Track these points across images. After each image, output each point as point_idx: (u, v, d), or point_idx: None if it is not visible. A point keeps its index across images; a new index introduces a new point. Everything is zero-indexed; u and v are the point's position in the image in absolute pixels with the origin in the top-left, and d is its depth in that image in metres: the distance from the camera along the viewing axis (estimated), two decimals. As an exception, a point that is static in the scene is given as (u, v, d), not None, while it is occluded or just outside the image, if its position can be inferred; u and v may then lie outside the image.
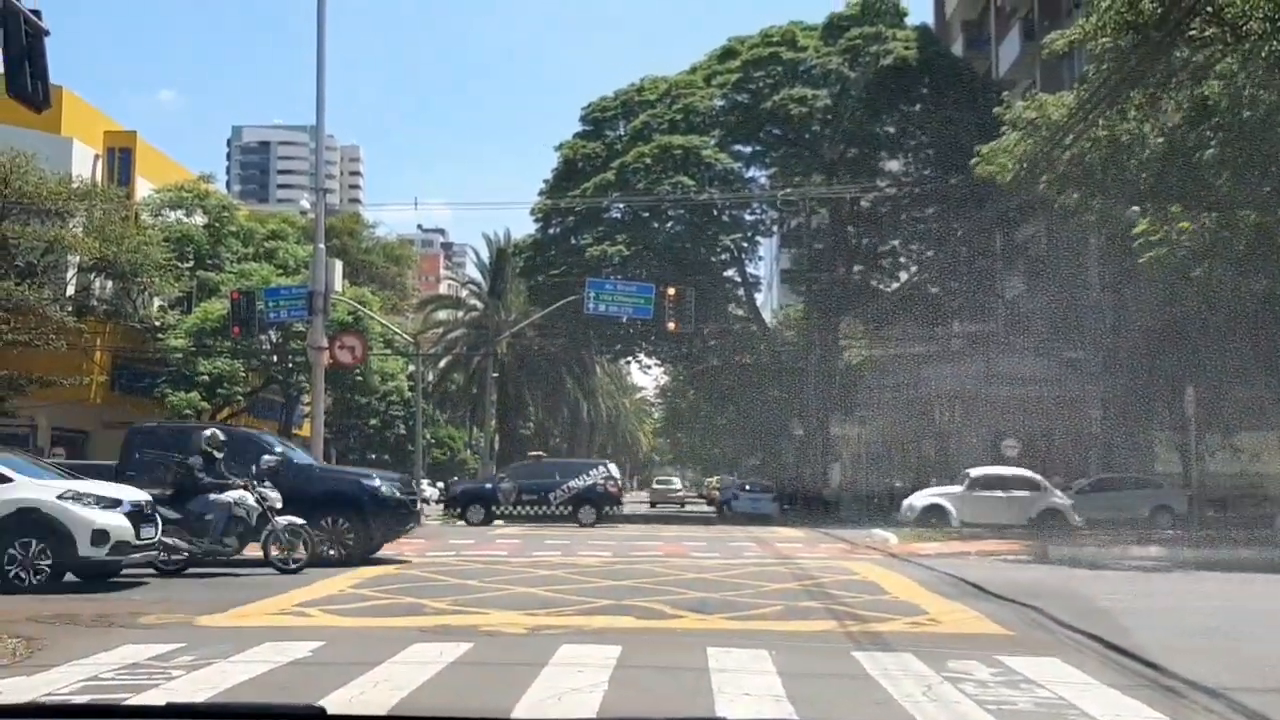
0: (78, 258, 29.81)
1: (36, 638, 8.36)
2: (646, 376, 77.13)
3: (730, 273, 42.27)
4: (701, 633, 9.09)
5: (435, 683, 6.79)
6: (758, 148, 40.43)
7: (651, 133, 38.94)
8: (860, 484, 43.55)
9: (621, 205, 39.00)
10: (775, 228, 44.40)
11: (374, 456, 47.44)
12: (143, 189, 34.69)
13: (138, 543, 12.15)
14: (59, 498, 11.80)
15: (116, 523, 11.87)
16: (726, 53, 40.73)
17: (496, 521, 28.88)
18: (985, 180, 22.97)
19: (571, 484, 29.87)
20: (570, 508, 29.42)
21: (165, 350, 31.96)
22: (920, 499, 26.22)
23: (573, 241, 39.88)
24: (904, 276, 41.67)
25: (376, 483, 15.87)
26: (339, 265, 27.46)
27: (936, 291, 39.37)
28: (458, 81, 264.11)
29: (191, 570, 13.88)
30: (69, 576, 12.05)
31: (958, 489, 25.89)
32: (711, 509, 47.67)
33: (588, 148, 40.08)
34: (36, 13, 9.65)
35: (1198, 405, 23.14)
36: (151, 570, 13.50)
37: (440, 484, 47.99)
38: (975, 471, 26.46)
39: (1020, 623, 9.77)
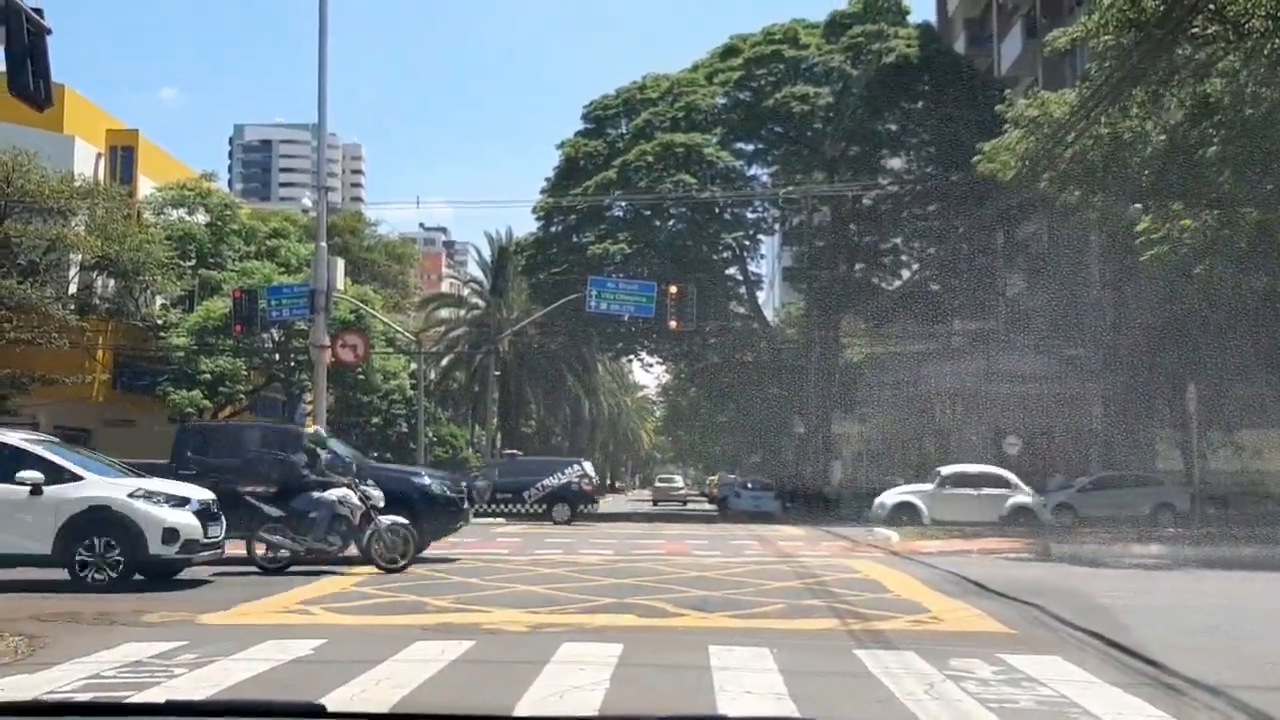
0: (80, 256, 29.83)
1: (38, 636, 8.37)
2: (648, 375, 77.43)
3: (732, 271, 42.28)
4: (703, 631, 9.10)
5: (437, 680, 6.79)
6: (760, 146, 40.44)
7: (653, 131, 38.94)
8: (862, 482, 43.46)
9: (623, 203, 38.99)
10: (777, 226, 44.40)
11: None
12: (145, 187, 34.71)
13: (205, 541, 12.17)
14: (130, 496, 11.82)
15: (186, 521, 11.91)
16: (728, 50, 40.72)
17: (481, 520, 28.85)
18: (987, 178, 22.97)
19: (546, 482, 29.89)
20: (545, 505, 29.46)
21: (167, 349, 31.97)
22: (891, 497, 26.56)
23: (574, 240, 39.87)
24: (905, 274, 41.68)
25: (427, 480, 15.81)
26: (341, 263, 27.47)
27: (938, 289, 39.38)
28: (458, 80, 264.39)
29: (293, 569, 13.68)
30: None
31: (929, 487, 26.22)
32: (713, 507, 47.68)
33: (589, 146, 40.07)
34: (39, 11, 9.66)
35: (1199, 402, 23.16)
36: (225, 568, 13.46)
37: None
38: (946, 470, 26.84)
39: (1022, 621, 9.77)
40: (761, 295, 48.46)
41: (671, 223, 39.60)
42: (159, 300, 33.76)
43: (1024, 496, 25.46)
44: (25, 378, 27.22)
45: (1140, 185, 20.14)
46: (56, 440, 13.16)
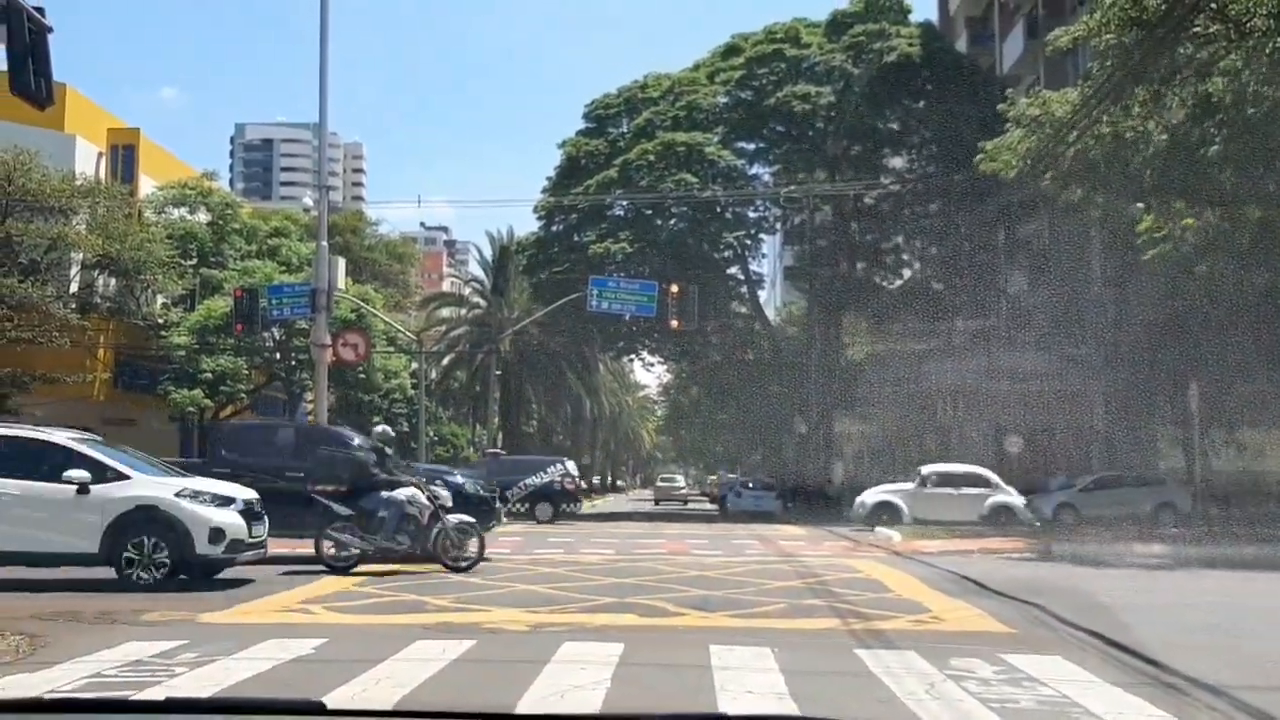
0: (81, 255, 29.84)
1: (40, 635, 8.37)
2: (649, 374, 77.31)
3: (733, 270, 42.30)
4: (704, 630, 9.09)
5: (438, 680, 6.79)
6: (761, 145, 40.44)
7: (655, 130, 38.96)
8: (863, 480, 43.45)
9: (624, 203, 39.00)
10: (778, 225, 44.40)
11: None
12: (146, 186, 34.73)
13: (250, 540, 12.17)
14: (177, 495, 11.82)
15: (231, 520, 11.91)
16: (730, 50, 40.73)
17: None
18: (988, 177, 22.97)
19: (529, 481, 29.93)
20: (527, 505, 29.50)
21: (168, 347, 32.00)
22: (872, 496, 26.70)
23: (576, 239, 39.89)
24: (907, 273, 41.68)
25: (460, 479, 15.85)
26: (342, 263, 27.49)
27: (939, 288, 39.38)
28: (459, 79, 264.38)
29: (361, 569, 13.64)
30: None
31: (909, 486, 26.37)
32: (715, 507, 47.68)
33: (591, 145, 40.09)
34: (40, 10, 9.66)
35: (1201, 401, 23.14)
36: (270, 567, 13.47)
37: None
38: (927, 469, 27.01)
39: (1023, 620, 9.77)
40: (763, 294, 48.58)
41: (673, 222, 39.60)
42: (160, 299, 33.77)
43: (1004, 496, 25.57)
44: (26, 376, 27.22)
45: (1142, 184, 20.13)
46: (100, 439, 13.14)
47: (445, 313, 58.90)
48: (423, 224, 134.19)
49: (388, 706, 5.73)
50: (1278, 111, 17.88)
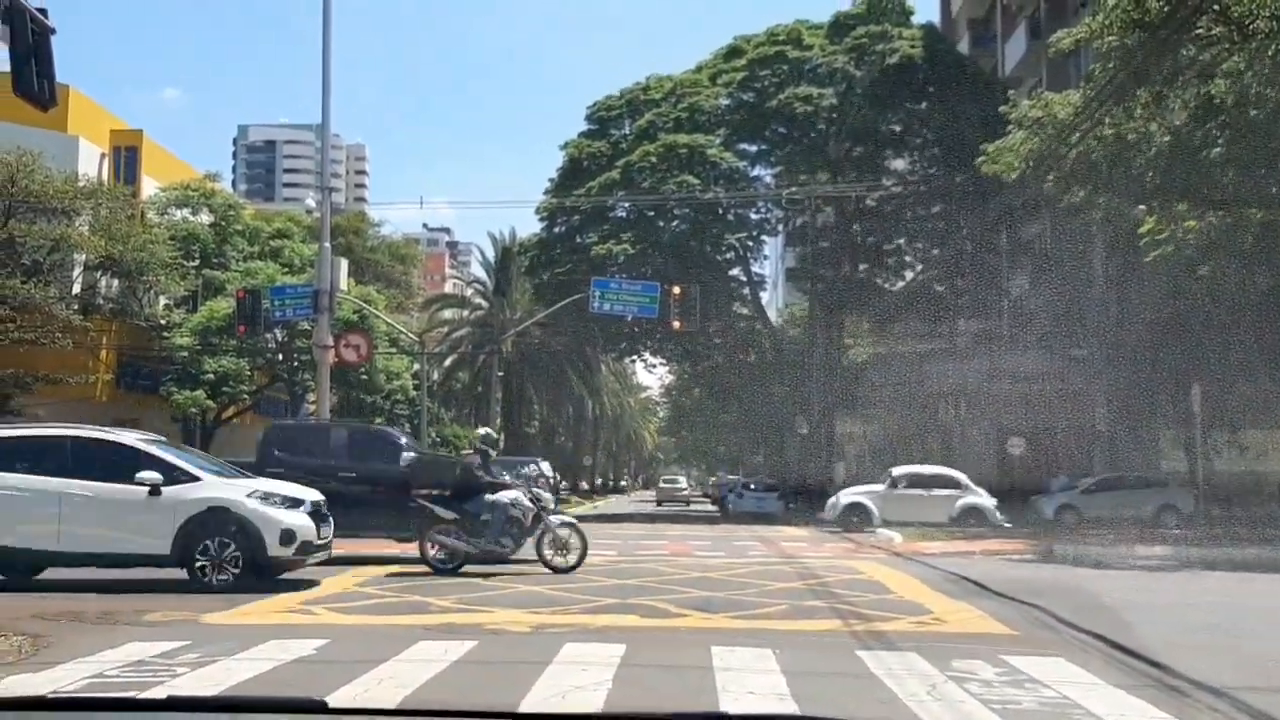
0: (84, 256, 29.89)
1: (42, 635, 8.39)
2: (651, 375, 77.28)
3: (735, 271, 42.29)
4: (706, 631, 9.09)
5: (439, 680, 6.80)
6: (763, 146, 40.43)
7: (657, 131, 38.96)
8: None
9: (627, 204, 39.01)
10: (780, 226, 44.38)
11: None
12: (149, 187, 34.77)
13: (318, 542, 12.17)
14: (248, 497, 11.82)
15: (301, 522, 11.90)
16: (732, 51, 40.75)
17: None
18: (991, 178, 22.96)
19: None
20: None
21: (171, 348, 32.03)
22: (844, 497, 27.05)
23: (578, 240, 39.90)
24: (909, 274, 41.65)
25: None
26: (344, 264, 27.53)
27: (941, 289, 39.36)
28: (460, 81, 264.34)
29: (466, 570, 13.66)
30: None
31: (880, 488, 26.71)
32: (716, 508, 47.70)
33: (593, 147, 40.10)
34: (43, 11, 9.69)
35: (1204, 402, 23.13)
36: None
37: None
38: (897, 470, 27.41)
39: (1024, 621, 9.76)
40: (765, 296, 48.41)
41: (675, 223, 39.61)
42: (162, 300, 33.81)
43: (974, 497, 25.80)
44: (29, 377, 27.26)
45: (1145, 186, 20.12)
46: (165, 440, 13.16)
47: (447, 314, 58.90)
48: (425, 225, 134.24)
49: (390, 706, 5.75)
50: (1280, 113, 17.89)
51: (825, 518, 27.00)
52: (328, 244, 24.73)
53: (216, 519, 11.57)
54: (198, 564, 11.55)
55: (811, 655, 7.95)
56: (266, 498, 11.91)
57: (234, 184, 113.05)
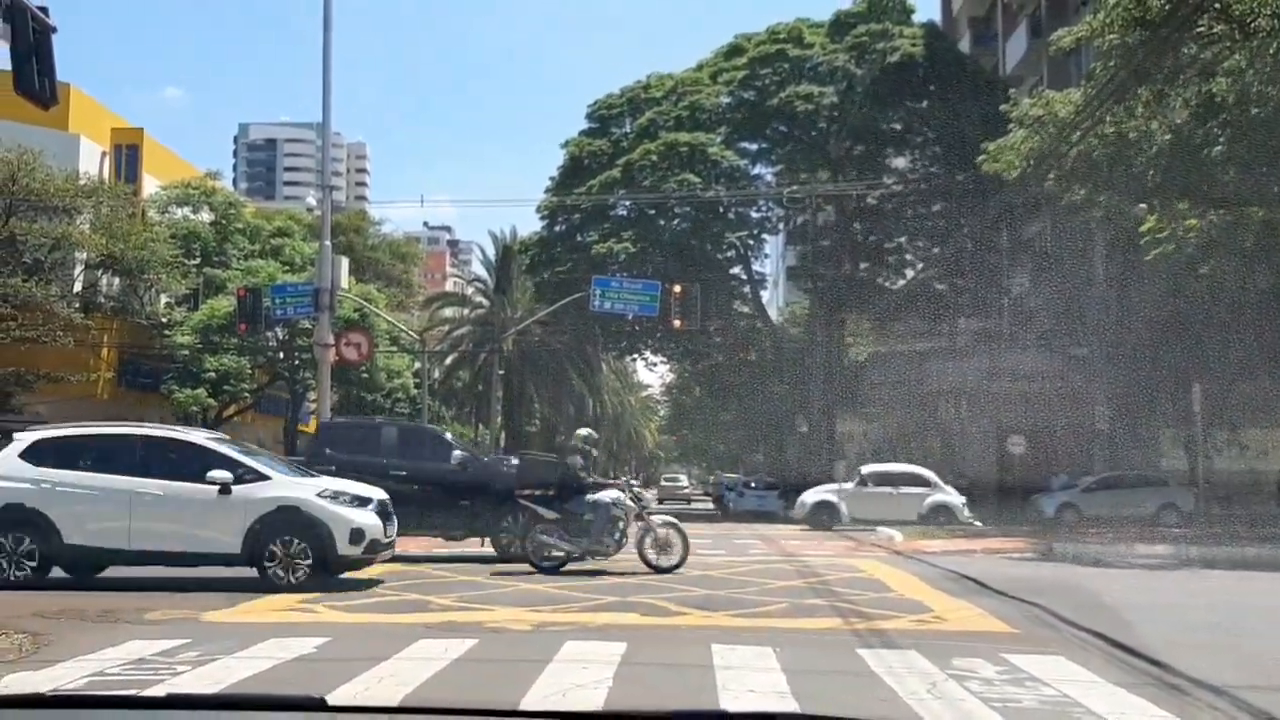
0: (85, 254, 29.91)
1: (42, 633, 8.40)
2: (652, 374, 77.29)
3: (736, 270, 42.25)
4: (706, 630, 9.09)
5: (440, 679, 6.80)
6: (764, 145, 40.41)
7: (658, 130, 38.94)
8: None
9: (627, 203, 38.99)
10: (781, 225, 44.35)
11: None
12: (149, 186, 34.79)
13: (385, 540, 12.17)
14: (318, 496, 11.82)
15: (370, 521, 11.89)
16: (733, 50, 40.71)
17: None
18: (991, 177, 22.95)
19: None
20: None
21: (172, 347, 32.06)
22: (812, 495, 27.31)
23: (579, 239, 39.88)
24: (910, 273, 41.61)
25: None
26: (345, 262, 27.45)
27: (942, 288, 39.30)
28: (461, 79, 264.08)
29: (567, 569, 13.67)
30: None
31: (849, 486, 27.01)
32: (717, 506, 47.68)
33: (594, 145, 40.08)
34: (44, 9, 9.68)
35: (1204, 401, 23.13)
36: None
37: None
38: (867, 469, 27.78)
39: (1025, 620, 9.77)
40: (765, 294, 48.39)
41: (676, 222, 39.59)
42: (163, 298, 33.84)
43: (943, 495, 25.93)
44: (30, 375, 27.29)
45: (1145, 184, 20.11)
46: (228, 437, 13.15)
47: (448, 312, 58.88)
48: (426, 224, 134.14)
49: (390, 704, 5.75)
50: (1281, 111, 17.87)
51: (795, 516, 27.33)
52: (328, 242, 24.71)
53: (286, 518, 11.56)
54: (267, 563, 11.54)
55: (812, 653, 7.96)
56: (336, 496, 11.90)
57: (235, 182, 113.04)
